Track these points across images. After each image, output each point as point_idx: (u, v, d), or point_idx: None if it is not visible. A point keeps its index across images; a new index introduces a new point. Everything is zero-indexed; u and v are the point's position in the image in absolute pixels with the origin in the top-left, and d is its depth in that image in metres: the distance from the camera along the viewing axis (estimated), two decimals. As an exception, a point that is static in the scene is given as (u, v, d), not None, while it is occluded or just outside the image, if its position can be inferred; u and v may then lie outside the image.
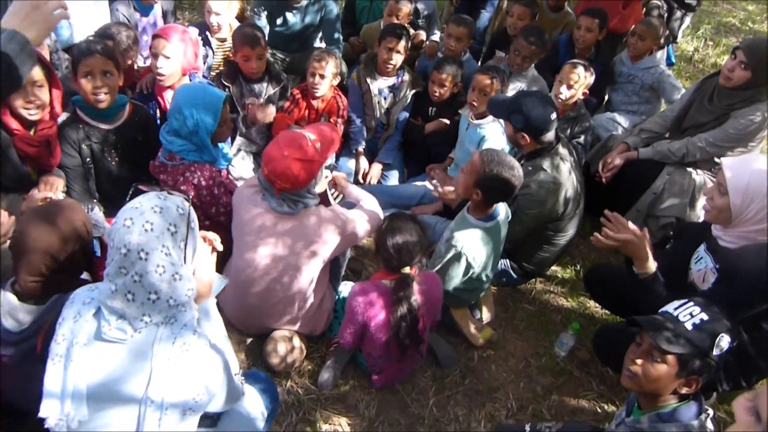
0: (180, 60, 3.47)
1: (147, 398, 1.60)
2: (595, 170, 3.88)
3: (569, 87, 3.74)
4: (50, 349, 1.65)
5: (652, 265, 2.51)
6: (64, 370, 1.60)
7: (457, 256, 2.86)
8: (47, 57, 3.57)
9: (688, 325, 1.88)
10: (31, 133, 2.80)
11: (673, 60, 6.12)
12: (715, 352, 1.85)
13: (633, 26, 4.79)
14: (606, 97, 4.85)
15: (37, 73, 2.68)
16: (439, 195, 3.27)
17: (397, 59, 4.08)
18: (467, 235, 2.85)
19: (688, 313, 1.92)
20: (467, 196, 2.89)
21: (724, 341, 1.85)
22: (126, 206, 1.66)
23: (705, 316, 1.89)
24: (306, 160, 2.56)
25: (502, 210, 2.96)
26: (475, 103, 3.69)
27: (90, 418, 1.61)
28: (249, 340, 2.98)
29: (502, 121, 3.37)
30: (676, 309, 1.96)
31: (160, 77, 3.47)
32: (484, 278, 3.03)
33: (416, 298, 2.58)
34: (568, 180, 3.12)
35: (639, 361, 1.96)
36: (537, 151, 3.13)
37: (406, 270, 2.57)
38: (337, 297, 3.05)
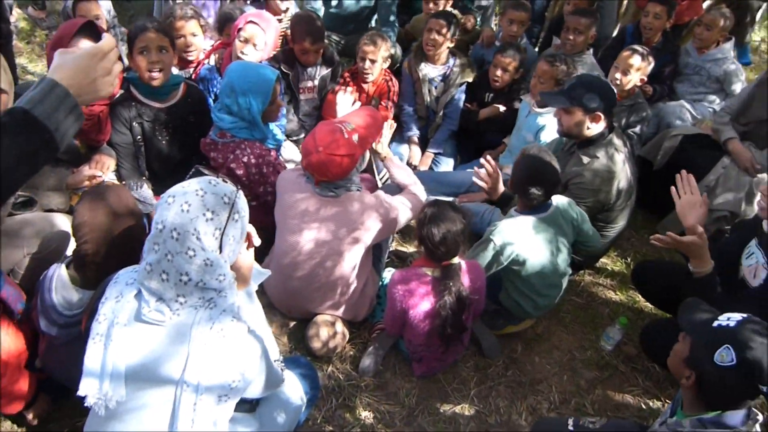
0: (264, 51, 3.50)
1: (183, 381, 1.60)
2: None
3: (625, 73, 3.63)
4: (91, 328, 1.67)
5: (710, 266, 2.43)
6: (104, 349, 1.63)
7: (486, 242, 2.77)
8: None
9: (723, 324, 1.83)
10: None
11: (750, 59, 5.83)
12: (716, 358, 1.77)
13: (692, 18, 4.65)
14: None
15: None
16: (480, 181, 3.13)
17: (441, 42, 3.99)
18: (505, 222, 2.79)
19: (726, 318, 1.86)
20: (513, 191, 2.90)
21: (725, 353, 1.77)
22: (177, 185, 1.67)
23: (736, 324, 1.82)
24: (341, 155, 2.54)
25: (556, 201, 2.86)
26: (536, 91, 3.62)
27: (128, 398, 1.63)
28: (292, 324, 3.00)
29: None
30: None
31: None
32: (545, 286, 2.89)
33: (464, 288, 2.55)
34: (622, 171, 3.02)
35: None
36: (590, 141, 3.04)
37: (455, 261, 2.53)
38: (381, 283, 3.04)
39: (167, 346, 1.62)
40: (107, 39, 1.38)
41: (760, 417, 1.81)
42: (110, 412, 1.65)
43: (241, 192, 1.77)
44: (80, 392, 1.65)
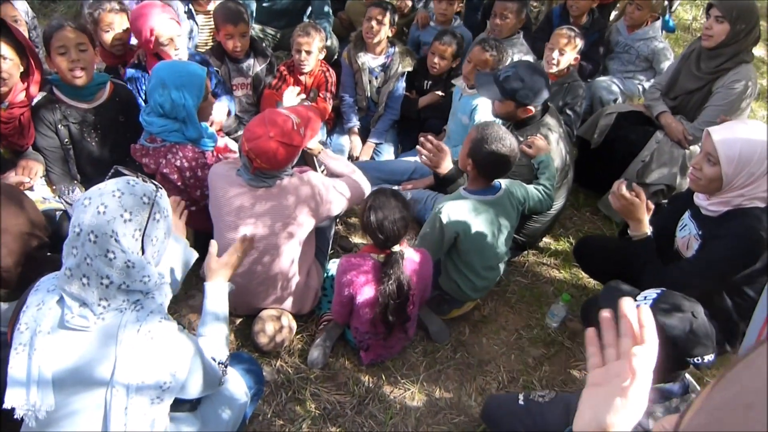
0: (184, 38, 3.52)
1: (113, 384, 1.58)
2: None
3: (561, 53, 3.70)
4: (13, 338, 1.63)
5: (647, 229, 2.51)
6: (28, 359, 1.58)
7: (434, 218, 2.76)
8: (25, 34, 3.48)
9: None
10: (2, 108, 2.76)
11: (673, 26, 6.00)
12: None
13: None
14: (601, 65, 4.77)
15: (3, 48, 2.65)
16: (427, 159, 3.05)
17: (381, 31, 3.99)
18: (454, 202, 2.77)
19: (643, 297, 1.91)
20: (464, 167, 2.85)
21: None
22: (94, 186, 1.63)
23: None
24: (290, 144, 2.53)
25: (504, 184, 2.86)
26: (469, 76, 3.63)
27: (58, 406, 1.60)
28: (238, 321, 2.96)
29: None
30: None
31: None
32: (484, 268, 2.89)
33: (406, 276, 2.55)
34: (556, 150, 3.06)
35: None
36: (524, 122, 3.07)
37: (397, 248, 2.53)
38: (325, 275, 3.02)
39: (95, 351, 1.59)
40: None
41: (698, 389, 1.87)
42: (42, 422, 1.61)
43: (162, 191, 1.74)
44: (6, 404, 1.60)
